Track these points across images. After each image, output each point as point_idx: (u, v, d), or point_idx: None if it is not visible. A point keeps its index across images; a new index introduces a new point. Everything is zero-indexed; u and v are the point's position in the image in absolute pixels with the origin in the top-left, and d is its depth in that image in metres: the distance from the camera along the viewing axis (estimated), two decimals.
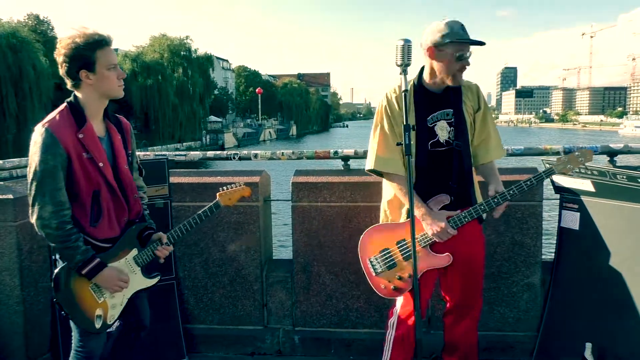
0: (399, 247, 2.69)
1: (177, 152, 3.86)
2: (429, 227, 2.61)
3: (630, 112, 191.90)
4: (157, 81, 52.97)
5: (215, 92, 73.24)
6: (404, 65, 2.33)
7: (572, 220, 3.31)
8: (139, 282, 2.56)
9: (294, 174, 3.67)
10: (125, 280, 2.45)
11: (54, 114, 2.32)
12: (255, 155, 3.89)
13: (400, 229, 2.70)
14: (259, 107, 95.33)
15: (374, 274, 2.74)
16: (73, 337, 2.47)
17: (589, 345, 3.11)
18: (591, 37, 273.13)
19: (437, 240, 2.62)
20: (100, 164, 2.33)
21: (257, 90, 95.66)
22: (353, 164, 3.80)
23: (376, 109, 2.76)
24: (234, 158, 3.88)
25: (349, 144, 62.07)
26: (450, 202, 2.65)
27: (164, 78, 53.99)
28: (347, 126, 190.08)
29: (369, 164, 2.74)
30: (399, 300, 2.82)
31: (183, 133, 56.13)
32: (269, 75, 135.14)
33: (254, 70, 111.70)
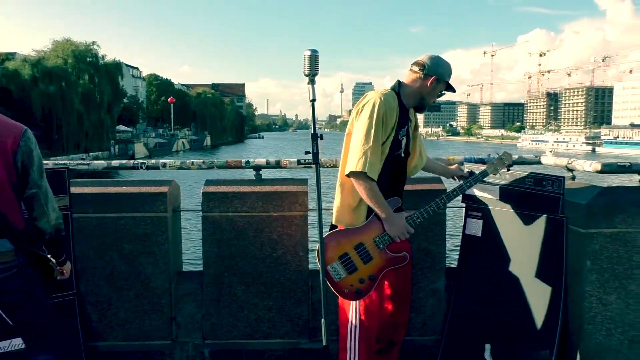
0: (357, 251, 2.77)
1: (78, 162, 3.67)
2: (392, 227, 2.75)
3: (527, 127, 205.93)
4: (61, 88, 50.35)
5: (125, 100, 70.61)
6: (312, 75, 2.38)
7: (475, 227, 3.48)
8: None
9: (205, 184, 3.60)
10: None
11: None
12: (164, 165, 3.78)
13: (357, 234, 2.78)
14: (172, 116, 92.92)
15: (336, 280, 2.76)
16: None
17: (488, 347, 3.28)
18: (492, 55, 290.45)
19: (397, 240, 2.77)
20: None
21: (169, 99, 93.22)
22: (265, 173, 3.79)
23: (368, 110, 2.74)
24: (142, 167, 3.75)
25: (263, 155, 61.90)
26: (400, 205, 2.87)
27: (68, 85, 51.42)
28: (262, 137, 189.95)
29: (360, 166, 2.67)
30: (352, 307, 2.87)
31: (89, 143, 53.62)
32: (182, 85, 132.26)
33: (166, 79, 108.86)
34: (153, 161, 3.81)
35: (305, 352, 3.60)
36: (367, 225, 2.80)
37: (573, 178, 3.48)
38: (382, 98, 2.76)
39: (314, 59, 2.34)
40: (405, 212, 2.87)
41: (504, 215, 3.32)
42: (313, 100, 2.37)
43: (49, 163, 3.47)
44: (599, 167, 3.26)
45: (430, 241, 3.58)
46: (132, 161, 3.82)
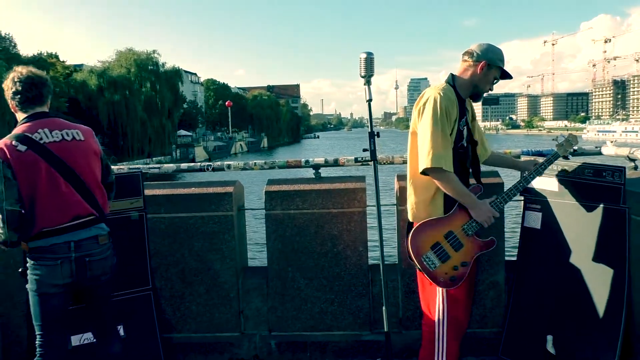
0: (448, 240, 2.86)
1: (150, 165, 3.93)
2: (479, 213, 2.82)
3: (593, 117, 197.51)
4: (125, 96, 52.51)
5: (184, 105, 72.80)
6: (368, 77, 2.49)
7: (535, 220, 3.49)
8: None
9: (267, 183, 3.78)
10: None
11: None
12: (229, 166, 3.99)
13: (444, 223, 2.86)
14: (229, 120, 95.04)
15: (431, 269, 2.86)
16: None
17: (550, 338, 3.28)
18: (553, 44, 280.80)
19: (485, 225, 2.85)
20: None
21: (226, 103, 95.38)
22: (324, 172, 3.93)
23: (430, 106, 2.79)
24: (208, 169, 3.97)
25: (320, 154, 62.32)
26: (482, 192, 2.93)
27: (132, 93, 53.54)
28: (318, 137, 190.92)
29: (434, 162, 2.74)
30: (439, 296, 2.94)
31: (152, 148, 55.65)
32: (239, 88, 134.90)
33: (223, 83, 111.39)
34: (218, 163, 4.02)
35: (367, 343, 3.72)
36: (453, 214, 2.87)
37: (635, 168, 3.43)
38: (441, 93, 2.81)
39: (369, 61, 2.46)
40: (486, 199, 2.91)
41: (564, 207, 3.32)
42: (369, 100, 2.49)
43: (124, 168, 3.74)
44: None
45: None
46: (199, 164, 4.05)
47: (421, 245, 2.84)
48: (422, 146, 2.79)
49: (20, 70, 2.74)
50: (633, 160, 3.42)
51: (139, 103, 53.71)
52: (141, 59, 57.68)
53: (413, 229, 2.84)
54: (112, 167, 3.08)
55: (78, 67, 56.41)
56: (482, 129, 3.26)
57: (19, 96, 2.68)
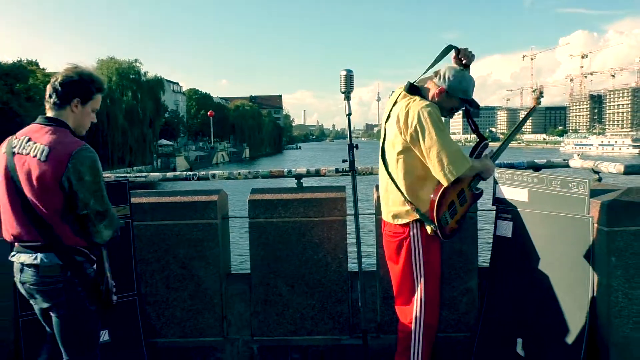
0: (459, 198, 3.11)
1: (137, 174, 4.03)
2: (488, 172, 3.14)
3: (570, 130, 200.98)
4: (106, 105, 52.11)
5: (166, 115, 72.58)
6: (347, 92, 2.64)
7: (506, 228, 3.66)
8: None
9: (251, 192, 3.91)
10: None
11: (72, 137, 2.50)
12: (214, 175, 4.11)
13: (459, 183, 3.07)
14: (211, 130, 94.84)
15: (444, 225, 3.05)
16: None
17: (519, 341, 3.45)
18: (532, 59, 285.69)
19: (487, 178, 3.17)
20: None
21: (208, 113, 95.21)
22: (305, 181, 4.07)
23: (428, 121, 2.88)
24: (193, 178, 4.09)
25: (301, 164, 62.32)
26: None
27: (113, 101, 53.22)
28: (300, 148, 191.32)
29: (467, 162, 2.96)
30: (416, 303, 3.09)
31: (133, 157, 55.32)
32: (221, 98, 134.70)
33: (205, 93, 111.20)
34: (203, 172, 4.15)
35: (346, 347, 3.85)
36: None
37: (599, 180, 3.63)
38: (429, 105, 2.93)
39: (349, 78, 2.61)
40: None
41: (533, 217, 3.50)
42: (349, 115, 2.64)
43: (110, 176, 3.84)
44: (622, 168, 3.41)
45: (463, 242, 3.78)
46: (184, 173, 4.16)
47: (444, 205, 3.04)
48: (441, 160, 2.90)
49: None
50: (597, 172, 3.63)
51: (120, 112, 53.42)
52: (123, 68, 57.46)
53: (440, 192, 2.99)
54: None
55: None
56: (462, 141, 3.44)
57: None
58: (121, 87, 56.29)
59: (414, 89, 3.06)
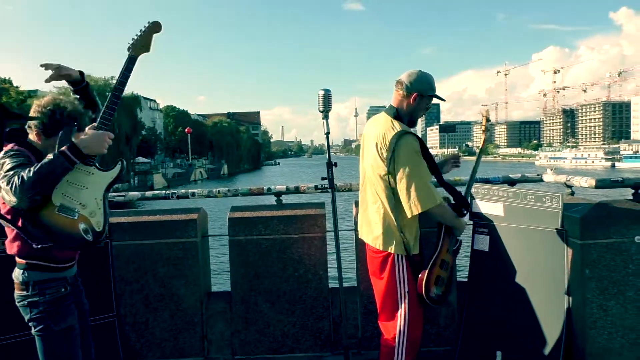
0: (443, 269, 3.12)
1: (115, 194, 4.01)
2: (460, 229, 3.13)
3: (545, 144, 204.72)
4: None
5: (143, 132, 71.92)
6: (325, 112, 2.69)
7: (483, 242, 3.73)
8: (101, 178, 2.64)
9: (230, 210, 3.91)
10: (110, 136, 2.59)
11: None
12: (193, 194, 4.11)
13: (438, 255, 3.10)
14: (189, 146, 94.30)
15: (435, 299, 3.09)
16: None
17: (499, 354, 3.50)
18: (505, 74, 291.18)
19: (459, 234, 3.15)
20: None
21: (186, 130, 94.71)
22: (285, 199, 4.09)
23: (405, 148, 2.92)
24: (172, 197, 4.08)
25: (280, 181, 62.30)
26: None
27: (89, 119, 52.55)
28: (278, 164, 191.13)
29: (435, 200, 2.94)
30: (400, 319, 3.10)
31: None
32: (199, 115, 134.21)
33: (183, 110, 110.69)
34: (183, 191, 4.14)
35: None
36: (442, 244, 3.12)
37: (572, 194, 3.73)
38: (407, 132, 2.97)
39: (327, 98, 2.66)
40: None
41: (509, 231, 3.57)
42: (327, 133, 2.69)
43: None
44: (593, 183, 3.51)
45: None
46: (163, 192, 4.15)
47: (430, 286, 3.07)
48: (411, 190, 2.92)
49: None
50: (570, 186, 3.73)
51: None
52: (98, 85, 56.86)
53: (424, 278, 3.03)
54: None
55: (33, 93, 55.16)
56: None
57: None
58: None
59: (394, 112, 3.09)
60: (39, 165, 2.31)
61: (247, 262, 3.84)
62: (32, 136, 2.62)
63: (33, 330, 2.56)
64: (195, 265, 3.85)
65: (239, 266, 3.84)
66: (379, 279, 3.19)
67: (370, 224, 3.13)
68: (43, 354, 2.57)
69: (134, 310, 3.84)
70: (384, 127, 3.01)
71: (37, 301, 2.52)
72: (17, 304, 2.56)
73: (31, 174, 2.27)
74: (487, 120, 3.46)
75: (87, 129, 2.57)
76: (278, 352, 3.87)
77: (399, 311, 3.11)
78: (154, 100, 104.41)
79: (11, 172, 2.33)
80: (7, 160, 2.40)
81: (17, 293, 2.55)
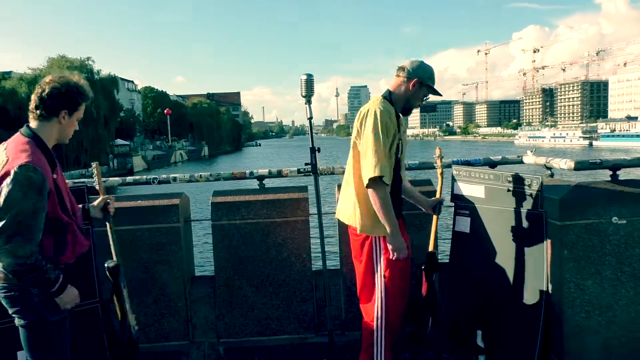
0: None
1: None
2: (395, 241, 3.05)
3: (524, 123, 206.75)
4: None
5: (122, 114, 70.91)
6: (308, 96, 2.68)
7: (464, 224, 3.77)
8: None
9: (213, 195, 3.90)
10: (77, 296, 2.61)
11: (26, 148, 2.37)
12: (175, 179, 4.08)
13: None
14: (169, 128, 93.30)
15: None
16: None
17: (479, 333, 3.57)
18: (486, 53, 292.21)
19: (392, 256, 3.08)
20: (68, 206, 2.56)
21: (165, 111, 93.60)
22: (267, 182, 4.09)
23: (371, 121, 2.96)
24: (154, 182, 4.04)
25: (262, 163, 62.17)
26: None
27: None
28: (260, 145, 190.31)
29: (377, 171, 2.91)
30: (377, 304, 3.17)
31: (88, 158, 53.81)
32: (178, 96, 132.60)
33: (162, 91, 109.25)
34: (164, 176, 4.10)
35: (311, 345, 3.89)
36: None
37: (551, 175, 3.78)
38: (382, 108, 3.00)
39: (309, 82, 2.65)
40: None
41: (490, 212, 3.62)
42: (310, 118, 2.68)
43: (69, 182, 3.76)
44: (572, 165, 3.56)
45: (423, 238, 3.87)
46: (145, 177, 4.11)
47: None
48: (366, 159, 2.95)
49: None
50: (549, 168, 3.78)
51: None
52: (74, 66, 55.77)
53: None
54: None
55: (7, 75, 53.94)
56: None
57: None
58: None
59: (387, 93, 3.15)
60: (37, 271, 2.33)
61: (231, 247, 3.84)
62: (49, 123, 2.50)
63: (21, 322, 2.51)
64: (179, 251, 3.84)
65: (222, 250, 3.84)
66: (359, 261, 3.24)
67: (346, 201, 3.17)
68: (31, 347, 2.54)
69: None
70: (370, 104, 3.06)
71: (29, 292, 2.46)
72: (2, 293, 2.46)
73: (30, 269, 2.30)
74: (441, 158, 3.53)
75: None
76: (262, 334, 3.90)
77: (376, 294, 3.16)
78: (132, 82, 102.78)
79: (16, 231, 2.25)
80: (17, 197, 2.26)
81: (6, 281, 2.42)
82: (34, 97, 2.49)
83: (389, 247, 3.04)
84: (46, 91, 2.46)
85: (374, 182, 2.92)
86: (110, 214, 3.00)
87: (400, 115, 3.20)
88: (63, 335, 2.61)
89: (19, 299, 2.46)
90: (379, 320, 3.17)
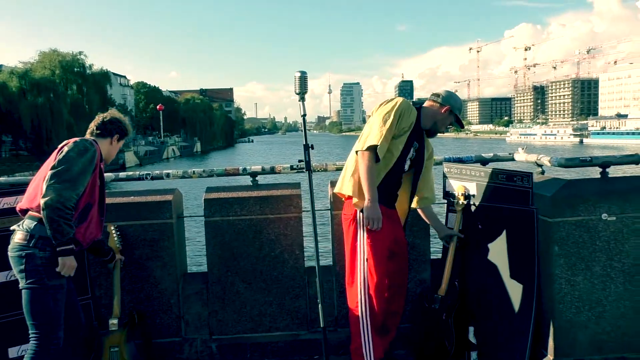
0: None
1: None
2: (371, 210, 3.12)
3: (515, 121, 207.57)
4: (49, 99, 50.21)
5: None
6: (302, 94, 2.69)
7: None
8: None
9: (206, 191, 3.90)
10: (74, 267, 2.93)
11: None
12: (168, 175, 4.07)
13: None
14: (161, 124, 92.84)
15: None
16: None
17: (471, 329, 3.60)
18: (478, 51, 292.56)
19: (367, 224, 3.17)
20: (100, 195, 3.11)
21: (158, 106, 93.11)
22: (261, 179, 4.09)
23: (390, 104, 3.25)
24: (147, 178, 4.03)
25: (254, 159, 62.01)
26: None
27: (57, 96, 51.30)
28: (252, 141, 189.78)
29: (376, 140, 3.10)
30: (360, 296, 3.23)
31: None
32: (170, 92, 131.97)
33: (154, 87, 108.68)
34: (157, 172, 4.09)
35: (304, 342, 3.91)
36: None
37: (542, 172, 3.81)
38: (405, 102, 3.28)
39: (303, 80, 2.66)
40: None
41: (482, 209, 3.65)
42: (304, 116, 2.68)
43: None
44: (563, 162, 3.59)
45: (416, 235, 3.90)
46: (137, 173, 4.10)
47: None
48: (370, 130, 3.16)
49: None
50: (540, 165, 3.81)
51: (64, 106, 51.51)
52: (66, 61, 55.43)
53: None
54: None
55: None
56: None
57: None
58: (65, 80, 54.26)
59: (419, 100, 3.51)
60: (67, 218, 2.80)
61: (224, 243, 3.84)
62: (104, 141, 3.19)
63: (23, 283, 2.85)
64: (171, 247, 3.84)
65: (215, 247, 3.84)
66: (346, 242, 3.32)
67: (341, 174, 3.39)
68: (30, 307, 2.86)
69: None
70: (396, 97, 3.37)
71: (34, 254, 2.82)
72: (9, 252, 2.88)
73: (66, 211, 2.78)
74: (464, 196, 3.68)
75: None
76: (255, 331, 3.90)
77: (358, 277, 3.21)
78: (125, 77, 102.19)
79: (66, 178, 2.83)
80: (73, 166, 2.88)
81: (17, 242, 2.85)
82: (94, 123, 3.23)
83: (365, 214, 3.13)
84: (107, 118, 3.22)
85: (366, 150, 3.11)
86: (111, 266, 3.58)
87: (426, 138, 3.47)
88: (58, 302, 2.90)
89: (25, 258, 2.83)
90: (364, 312, 3.21)
